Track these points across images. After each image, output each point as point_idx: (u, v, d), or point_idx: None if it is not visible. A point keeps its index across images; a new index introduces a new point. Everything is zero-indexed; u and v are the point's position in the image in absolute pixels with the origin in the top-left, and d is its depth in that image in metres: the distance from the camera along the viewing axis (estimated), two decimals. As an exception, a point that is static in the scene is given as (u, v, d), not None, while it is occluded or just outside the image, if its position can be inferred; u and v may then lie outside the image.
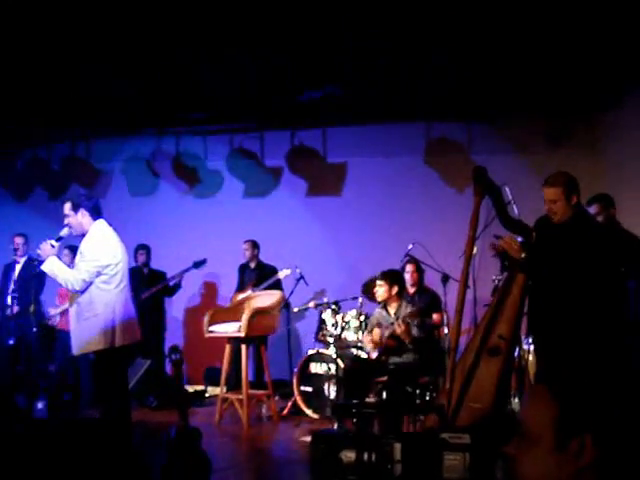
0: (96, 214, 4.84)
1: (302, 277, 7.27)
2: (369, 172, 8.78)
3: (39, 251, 4.77)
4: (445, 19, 5.94)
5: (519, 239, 4.39)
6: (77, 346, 4.76)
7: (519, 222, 4.61)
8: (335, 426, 5.95)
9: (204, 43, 6.45)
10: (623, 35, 6.35)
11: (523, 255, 4.22)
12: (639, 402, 1.40)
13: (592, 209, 5.58)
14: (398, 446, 3.90)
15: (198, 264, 7.81)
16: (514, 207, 5.91)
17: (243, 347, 6.48)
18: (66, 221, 4.81)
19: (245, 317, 6.35)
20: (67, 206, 4.80)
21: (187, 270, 7.82)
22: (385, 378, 5.69)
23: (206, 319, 6.56)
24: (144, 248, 8.25)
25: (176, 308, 9.02)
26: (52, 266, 4.72)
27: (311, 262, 8.11)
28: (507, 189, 5.97)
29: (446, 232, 7.22)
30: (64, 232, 4.86)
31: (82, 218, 4.78)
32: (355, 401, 5.77)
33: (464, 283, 4.54)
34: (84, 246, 4.77)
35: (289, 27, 6.02)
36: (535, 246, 4.32)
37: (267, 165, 9.08)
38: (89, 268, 4.67)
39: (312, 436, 4.26)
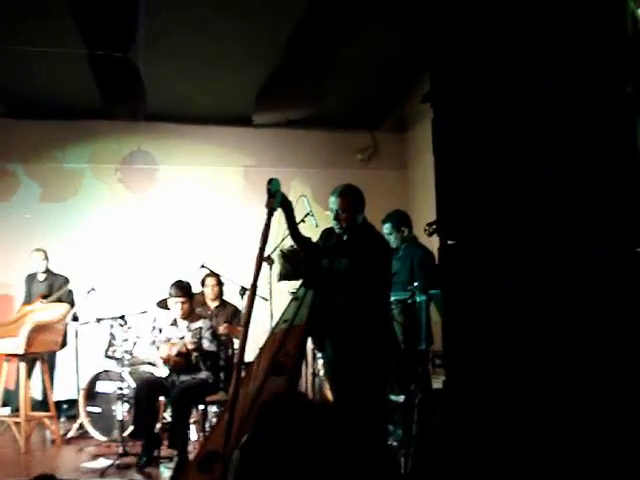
0: None
1: (93, 289, 6.75)
2: (175, 180, 8.46)
3: None
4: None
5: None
6: None
7: (308, 239, 4.52)
8: (120, 450, 5.56)
9: None
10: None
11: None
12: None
13: (385, 228, 5.62)
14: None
15: None
16: (312, 218, 5.85)
17: (22, 365, 5.92)
18: None
19: (24, 332, 5.79)
20: None
21: None
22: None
23: (-20, 334, 5.94)
24: None
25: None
26: None
27: (111, 273, 7.66)
28: (305, 200, 5.89)
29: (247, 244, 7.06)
30: None
31: None
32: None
33: (252, 296, 4.33)
34: None
35: None
36: (316, 258, 4.24)
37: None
38: None
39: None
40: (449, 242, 2.42)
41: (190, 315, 5.69)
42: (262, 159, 8.52)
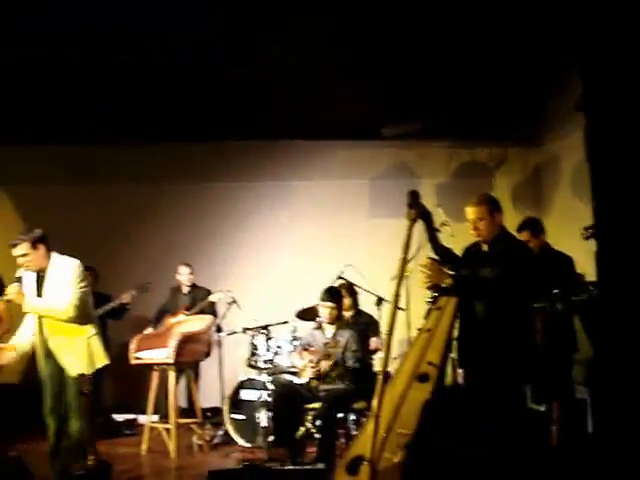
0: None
1: (234, 301, 7.04)
2: (307, 195, 8.67)
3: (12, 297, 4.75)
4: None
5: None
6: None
7: (448, 250, 4.55)
8: (265, 456, 5.75)
9: None
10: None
11: (448, 281, 4.13)
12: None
13: (522, 236, 5.56)
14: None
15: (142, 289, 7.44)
16: (448, 228, 5.86)
17: (171, 374, 6.25)
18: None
19: (173, 343, 6.12)
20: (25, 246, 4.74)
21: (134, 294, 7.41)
22: (317, 405, 5.50)
23: (133, 345, 6.33)
24: (90, 269, 7.82)
25: (117, 332, 8.61)
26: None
27: (250, 285, 7.95)
28: (441, 210, 5.91)
29: (380, 255, 7.14)
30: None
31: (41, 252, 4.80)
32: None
33: (395, 306, 4.41)
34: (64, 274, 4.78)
35: None
36: (461, 272, 4.26)
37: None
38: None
39: (208, 474, 4.03)
40: (607, 246, 2.41)
41: (336, 321, 5.84)
42: (388, 171, 8.61)
